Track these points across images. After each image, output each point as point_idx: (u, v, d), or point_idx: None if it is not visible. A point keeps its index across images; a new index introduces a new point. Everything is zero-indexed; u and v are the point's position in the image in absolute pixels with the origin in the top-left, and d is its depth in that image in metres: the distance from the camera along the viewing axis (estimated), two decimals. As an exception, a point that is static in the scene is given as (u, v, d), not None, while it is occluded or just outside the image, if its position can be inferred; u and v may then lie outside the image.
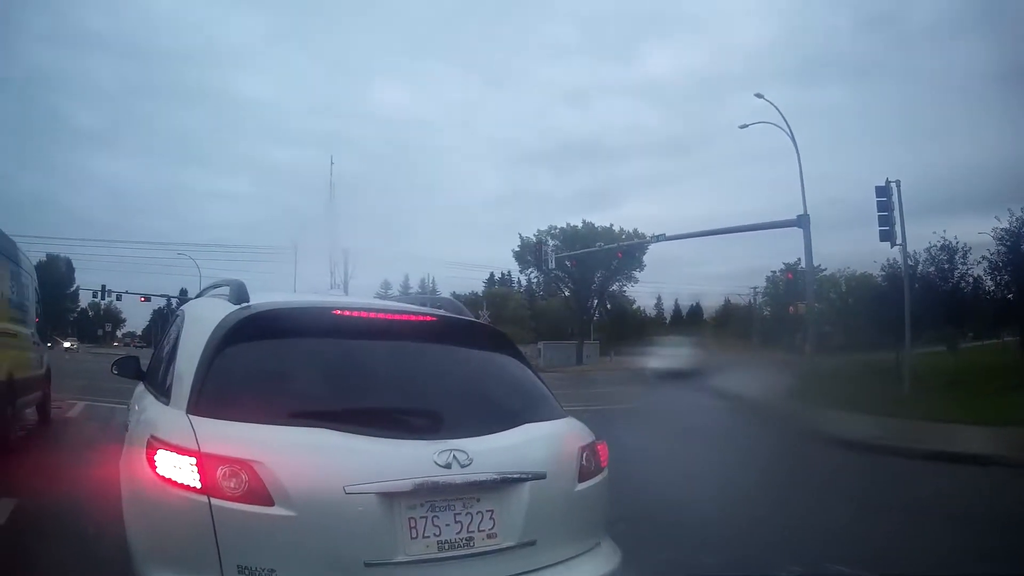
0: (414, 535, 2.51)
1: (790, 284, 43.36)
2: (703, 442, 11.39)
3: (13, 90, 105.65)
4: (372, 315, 3.05)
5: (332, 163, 62.85)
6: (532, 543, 2.66)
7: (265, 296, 3.21)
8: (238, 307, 3.00)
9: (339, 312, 3.02)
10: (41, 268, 78.12)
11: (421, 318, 3.14)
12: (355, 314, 3.03)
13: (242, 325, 2.85)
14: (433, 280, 65.99)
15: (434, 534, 2.53)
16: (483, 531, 2.60)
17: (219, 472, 2.46)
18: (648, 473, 7.03)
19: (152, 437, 2.68)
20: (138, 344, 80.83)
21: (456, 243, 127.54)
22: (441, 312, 3.31)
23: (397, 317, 3.08)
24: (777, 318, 46.86)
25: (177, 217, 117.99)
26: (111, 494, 5.03)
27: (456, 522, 2.56)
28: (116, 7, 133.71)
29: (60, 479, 6.74)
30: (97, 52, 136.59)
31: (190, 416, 2.64)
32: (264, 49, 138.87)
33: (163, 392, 3.10)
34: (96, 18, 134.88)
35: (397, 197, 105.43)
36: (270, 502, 2.43)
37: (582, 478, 2.93)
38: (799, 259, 34.63)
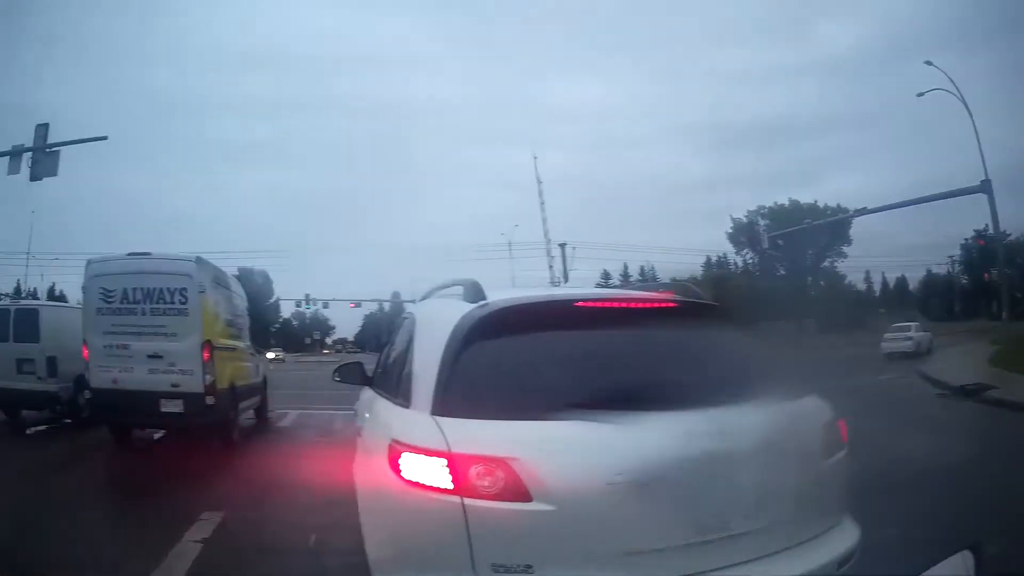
0: (671, 521, 2.47)
1: (983, 251, 42.17)
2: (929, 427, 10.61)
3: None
4: (611, 304, 3.08)
5: (536, 159, 63.69)
6: (782, 522, 2.59)
7: (498, 293, 3.20)
8: (475, 305, 3.01)
9: (579, 304, 3.03)
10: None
11: (658, 304, 3.16)
12: (595, 304, 3.05)
13: (482, 323, 2.87)
14: (652, 267, 67.51)
15: (691, 518, 2.48)
16: (738, 512, 2.52)
17: (472, 471, 2.46)
18: (883, 452, 6.66)
19: (395, 441, 2.71)
20: (351, 350, 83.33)
21: (669, 230, 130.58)
22: (675, 296, 3.32)
23: (635, 304, 3.12)
24: (975, 286, 46.61)
25: (383, 223, 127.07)
26: (333, 501, 4.99)
27: (713, 503, 2.50)
28: (303, 27, 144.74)
29: (272, 489, 7.07)
30: (277, 68, 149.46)
31: (435, 417, 2.65)
32: (454, 55, 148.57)
33: (399, 395, 3.12)
34: (280, 38, 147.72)
35: (604, 189, 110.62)
36: (528, 498, 2.42)
37: (825, 454, 2.85)
38: (986, 225, 34.50)
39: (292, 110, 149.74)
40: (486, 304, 2.99)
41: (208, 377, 9.55)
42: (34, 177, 22.91)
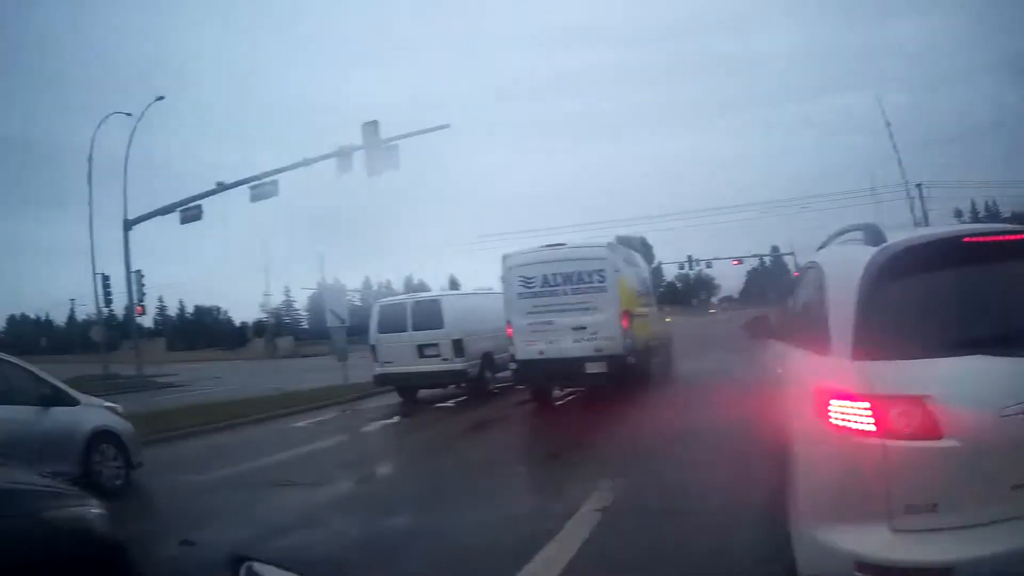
0: None
1: None
2: None
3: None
4: (997, 238, 3.04)
5: (880, 100, 61.74)
6: None
7: (895, 235, 3.18)
8: (877, 248, 3.02)
9: (968, 239, 3.03)
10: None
11: None
12: (983, 239, 3.03)
13: (890, 264, 2.90)
14: (995, 203, 63.16)
15: None
16: None
17: (892, 413, 2.53)
18: None
19: (820, 388, 2.82)
20: (736, 307, 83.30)
21: (999, 164, 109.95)
22: None
23: (1020, 237, 3.01)
24: None
25: (745, 180, 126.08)
26: (740, 456, 5.56)
27: None
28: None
29: (676, 450, 7.23)
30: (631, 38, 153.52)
31: (855, 361, 2.72)
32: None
33: (815, 343, 3.22)
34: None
35: (940, 127, 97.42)
36: (939, 435, 2.48)
37: None
38: None
39: (655, 79, 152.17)
40: (888, 246, 3.00)
41: (628, 340, 11.52)
42: (372, 173, 23.60)
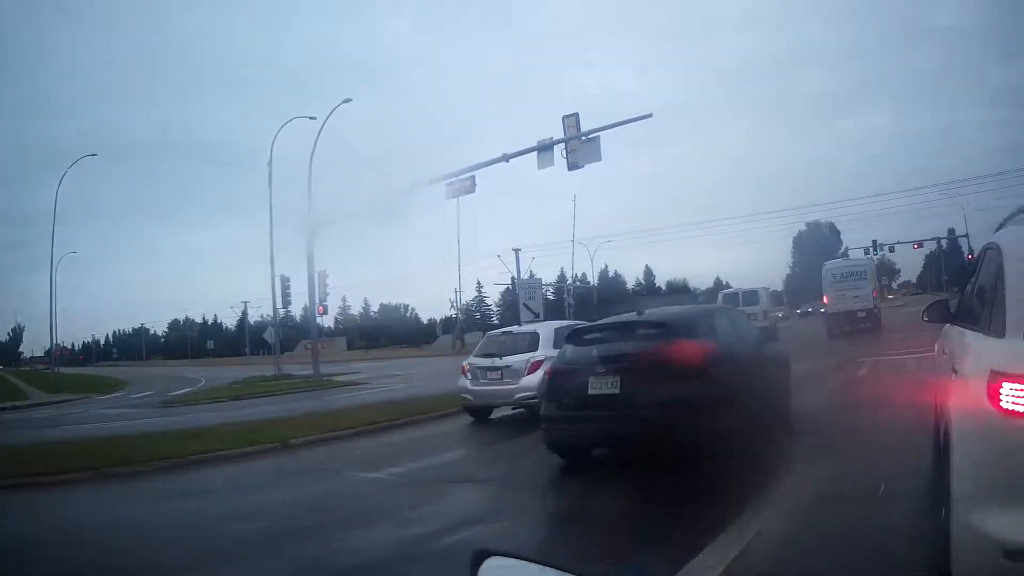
0: None
1: None
2: None
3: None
4: None
5: None
6: None
7: None
8: None
9: None
10: (802, 238, 79.71)
11: None
12: None
13: None
14: None
15: None
16: None
17: None
18: None
19: (993, 371, 2.72)
20: (915, 292, 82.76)
21: None
22: None
23: None
24: None
25: (934, 159, 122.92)
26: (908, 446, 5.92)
27: None
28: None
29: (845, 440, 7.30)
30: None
31: None
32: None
33: (992, 327, 3.11)
34: None
35: None
36: None
37: None
38: None
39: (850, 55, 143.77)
40: None
41: None
42: (573, 166, 23.36)
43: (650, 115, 24.55)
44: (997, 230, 4.16)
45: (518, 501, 6.71)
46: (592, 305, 62.24)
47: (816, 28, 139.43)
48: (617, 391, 6.87)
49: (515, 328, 13.89)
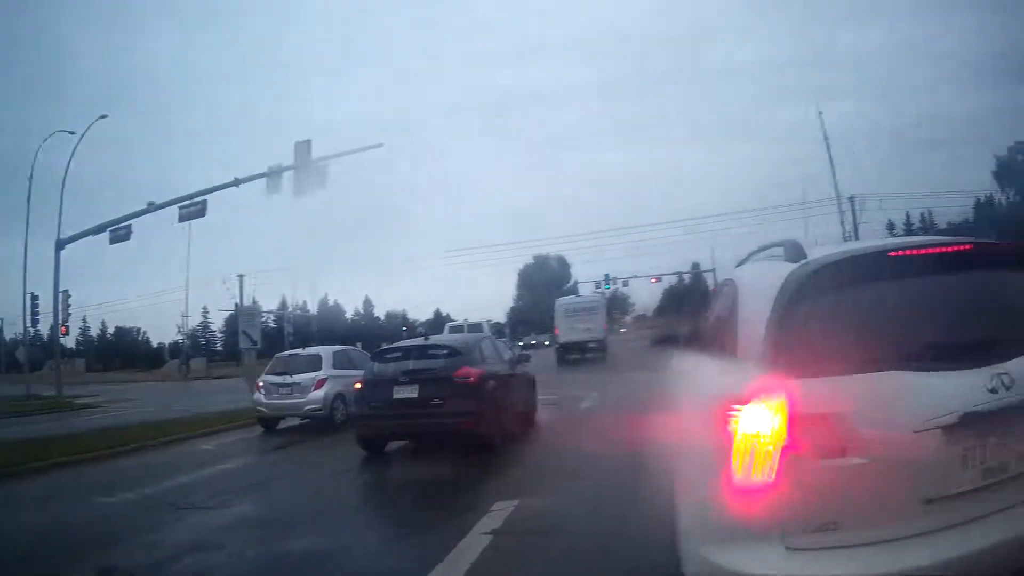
0: (965, 466, 2.50)
1: None
2: None
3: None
4: (919, 252, 2.94)
5: (820, 114, 59.66)
6: None
7: (817, 251, 3.18)
8: (797, 264, 2.99)
9: (893, 254, 2.96)
10: (528, 271, 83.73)
11: (960, 248, 2.96)
12: (905, 253, 2.94)
13: (810, 281, 2.84)
14: (931, 214, 63.03)
15: (980, 462, 2.51)
16: (1016, 453, 2.55)
17: (798, 429, 2.48)
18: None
19: (722, 400, 2.74)
20: (650, 326, 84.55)
21: (941, 174, 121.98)
22: (972, 239, 3.11)
23: (941, 250, 2.94)
24: None
25: (675, 197, 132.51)
26: (636, 479, 5.10)
27: (999, 447, 2.53)
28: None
29: (572, 471, 7.41)
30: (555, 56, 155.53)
31: (766, 377, 2.64)
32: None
33: (725, 360, 3.18)
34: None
35: (893, 137, 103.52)
36: (844, 453, 2.45)
37: None
38: None
39: (584, 96, 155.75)
40: (808, 262, 2.98)
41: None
42: (299, 193, 23.60)
43: (381, 144, 25.37)
44: (737, 266, 4.26)
45: (230, 529, 6.54)
46: (312, 333, 62.63)
47: (556, 66, 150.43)
48: (416, 395, 9.19)
49: (301, 351, 15.63)
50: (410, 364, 9.63)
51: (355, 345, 20.05)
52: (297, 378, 13.89)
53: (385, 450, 9.96)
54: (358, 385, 10.21)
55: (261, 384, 14.38)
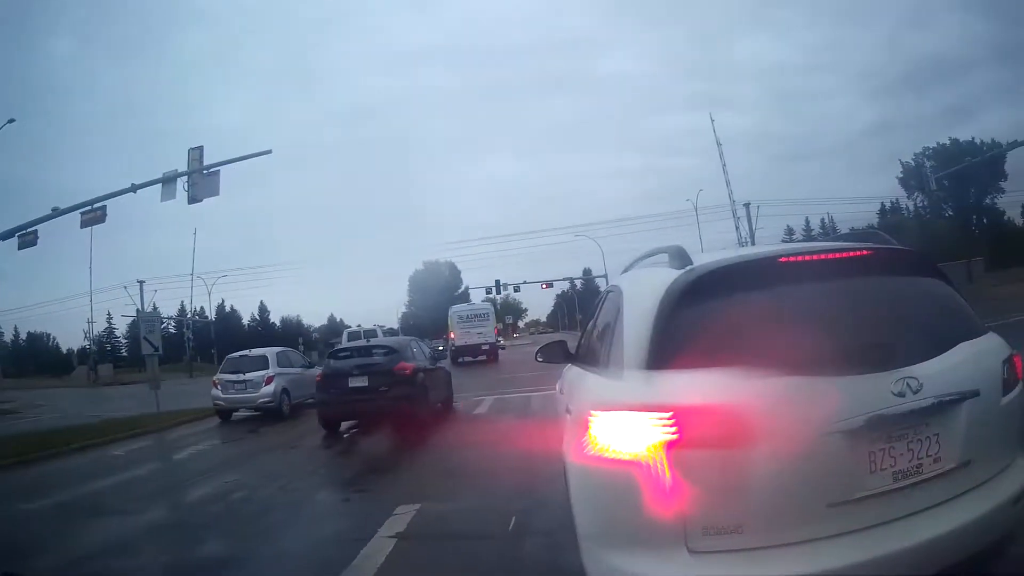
0: (872, 469, 2.48)
1: None
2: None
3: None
4: (812, 258, 2.97)
5: (713, 121, 59.41)
6: (967, 463, 2.62)
7: (703, 257, 3.15)
8: (682, 271, 2.95)
9: (784, 259, 2.94)
10: (419, 277, 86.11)
11: (857, 253, 2.98)
12: (798, 259, 2.94)
13: (694, 286, 2.81)
14: (831, 218, 66.35)
15: (889, 465, 2.49)
16: (930, 456, 2.56)
17: (685, 427, 2.45)
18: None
19: (603, 405, 2.76)
20: (544, 330, 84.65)
21: (843, 180, 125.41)
22: (871, 244, 3.15)
23: (836, 256, 2.95)
24: None
25: (572, 203, 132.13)
26: (533, 482, 5.73)
27: (908, 450, 2.52)
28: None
29: (471, 476, 7.38)
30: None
31: (649, 379, 2.65)
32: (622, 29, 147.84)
33: (610, 366, 3.11)
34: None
35: (782, 144, 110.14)
36: (739, 453, 2.41)
37: (1005, 391, 2.84)
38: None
39: (476, 102, 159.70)
40: (693, 268, 2.94)
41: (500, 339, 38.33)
42: (192, 199, 23.26)
43: (270, 151, 25.54)
44: (623, 272, 4.21)
45: (141, 535, 6.51)
46: (211, 339, 63.80)
47: (435, 72, 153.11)
48: (366, 384, 12.19)
49: (249, 351, 18.15)
50: (360, 360, 12.67)
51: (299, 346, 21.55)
52: (249, 376, 16.54)
53: (305, 444, 11.90)
54: (318, 378, 13.04)
55: (217, 381, 17.04)
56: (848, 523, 2.43)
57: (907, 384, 2.53)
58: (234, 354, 18.22)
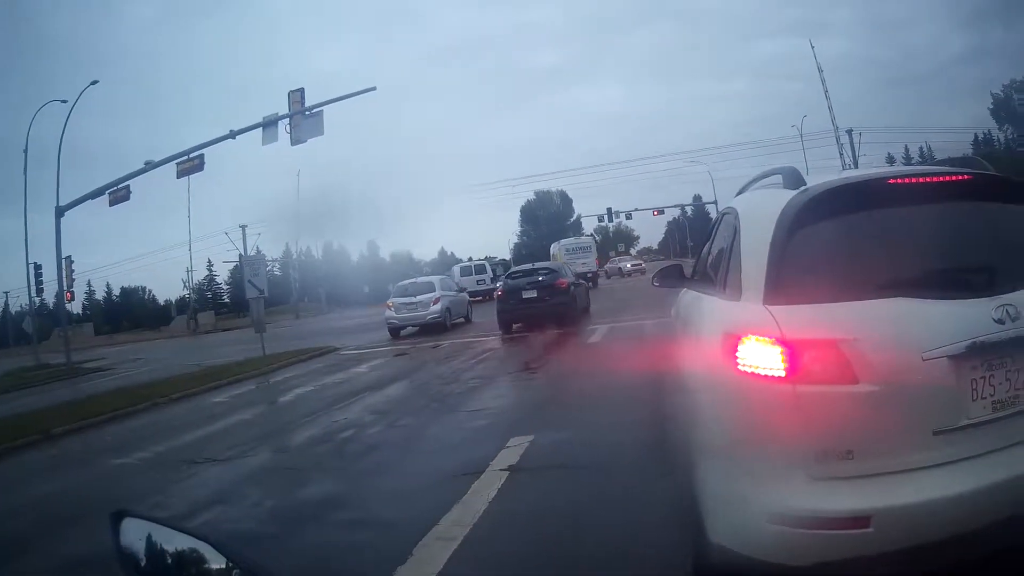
0: (974, 397, 2.42)
1: None
2: None
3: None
4: (921, 180, 2.90)
5: (813, 47, 63.97)
6: None
7: (816, 178, 3.10)
8: (797, 191, 2.91)
9: (893, 181, 2.93)
10: (531, 207, 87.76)
11: (962, 177, 2.90)
12: (907, 181, 2.91)
13: (809, 207, 2.78)
14: (929, 148, 63.64)
15: (989, 394, 2.43)
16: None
17: (805, 357, 2.43)
18: None
19: (729, 331, 2.70)
20: (656, 258, 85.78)
21: (938, 108, 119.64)
22: (973, 170, 3.06)
23: (944, 179, 2.88)
24: None
25: (677, 130, 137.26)
26: (649, 412, 5.56)
27: (1006, 380, 2.45)
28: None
29: (585, 406, 7.30)
30: None
31: (767, 307, 2.61)
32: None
33: (727, 289, 3.09)
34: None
35: (884, 69, 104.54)
36: (855, 380, 2.37)
37: None
38: None
39: (581, 32, 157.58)
40: (807, 189, 2.91)
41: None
42: (296, 141, 23.70)
43: (374, 88, 25.66)
44: (737, 195, 4.16)
45: (246, 481, 6.46)
46: (319, 279, 64.58)
47: (545, 6, 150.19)
48: (535, 295, 17.11)
49: (418, 278, 23.14)
50: (529, 279, 17.65)
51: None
52: (419, 298, 20.37)
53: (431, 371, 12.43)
54: (499, 293, 18.35)
55: (391, 303, 20.82)
56: (953, 452, 2.39)
57: (1007, 311, 2.46)
58: (404, 281, 22.29)
